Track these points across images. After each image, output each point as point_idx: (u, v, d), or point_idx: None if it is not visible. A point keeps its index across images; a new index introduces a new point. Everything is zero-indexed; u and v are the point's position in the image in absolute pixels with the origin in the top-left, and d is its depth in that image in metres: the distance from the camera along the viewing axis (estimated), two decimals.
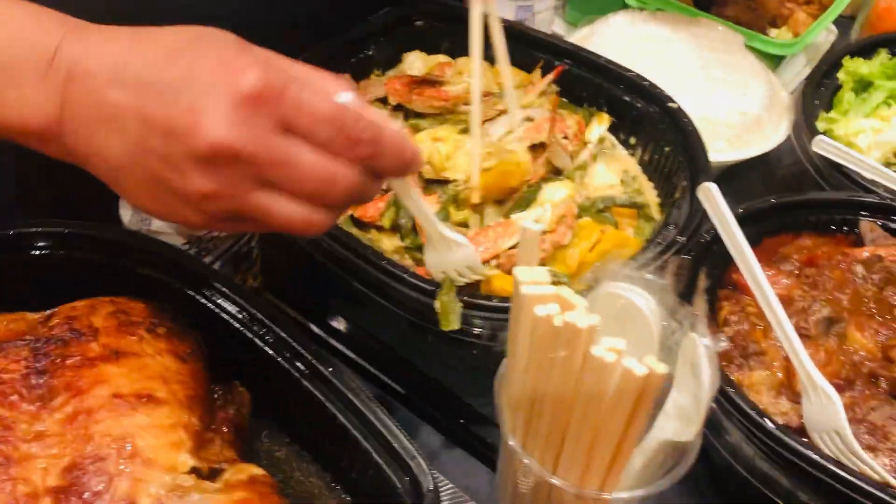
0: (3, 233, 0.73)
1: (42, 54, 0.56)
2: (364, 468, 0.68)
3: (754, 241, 0.96)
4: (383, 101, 1.03)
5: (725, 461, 0.76)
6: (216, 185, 0.54)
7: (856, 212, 0.98)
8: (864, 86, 1.19)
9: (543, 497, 0.62)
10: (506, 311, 0.60)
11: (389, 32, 1.12)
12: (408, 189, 0.66)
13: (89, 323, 0.65)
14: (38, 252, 0.74)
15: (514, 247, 0.88)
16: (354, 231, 0.92)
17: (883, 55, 1.20)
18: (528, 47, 1.10)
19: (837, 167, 1.05)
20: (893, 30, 1.34)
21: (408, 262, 0.90)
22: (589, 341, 0.51)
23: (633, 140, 1.05)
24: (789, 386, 0.79)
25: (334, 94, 0.54)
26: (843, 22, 1.55)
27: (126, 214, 0.78)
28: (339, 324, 0.98)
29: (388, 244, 0.91)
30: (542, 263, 0.88)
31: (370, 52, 1.10)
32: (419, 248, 0.89)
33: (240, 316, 0.73)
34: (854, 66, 1.16)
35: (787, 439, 0.71)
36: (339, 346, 0.98)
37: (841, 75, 1.17)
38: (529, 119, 1.01)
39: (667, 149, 0.98)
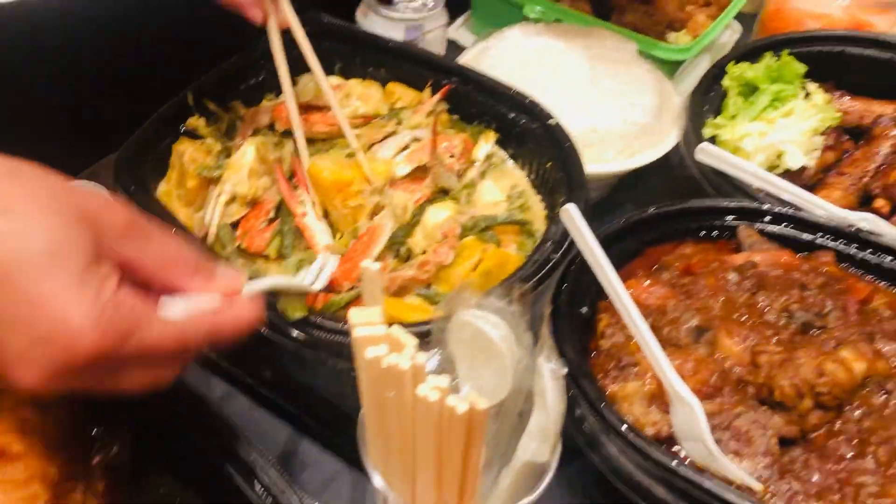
0: None
1: None
2: None
3: (637, 251, 0.99)
4: (271, 127, 1.04)
5: (605, 473, 0.79)
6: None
7: (735, 217, 1.01)
8: (751, 89, 1.22)
9: None
10: None
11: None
12: None
13: None
14: None
15: (384, 258, 0.90)
16: (241, 261, 0.92)
17: (768, 58, 1.23)
18: (417, 67, 1.11)
19: (722, 173, 1.08)
20: (784, 31, 1.38)
21: None
22: (416, 381, 0.52)
23: (520, 156, 1.07)
24: (660, 396, 0.81)
25: (164, 277, 0.57)
26: (748, 20, 1.59)
27: None
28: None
29: (275, 272, 0.92)
30: (428, 284, 0.90)
31: (260, 78, 1.10)
32: None
33: None
34: (739, 72, 1.19)
35: (651, 451, 0.74)
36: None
37: (725, 81, 1.20)
38: (417, 140, 1.02)
39: (548, 164, 1.01)
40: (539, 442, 0.67)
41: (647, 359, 0.79)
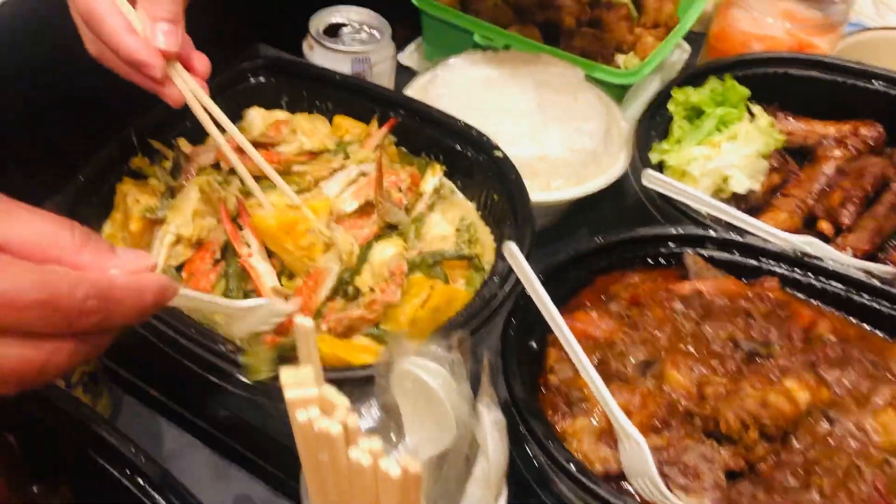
0: None
1: None
2: None
3: (586, 281, 1.00)
4: (216, 166, 1.02)
5: None
6: None
7: (680, 245, 1.02)
8: (697, 113, 1.24)
9: None
10: None
11: (226, 90, 1.11)
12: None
13: None
14: None
15: (331, 299, 0.89)
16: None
17: (713, 82, 1.25)
18: (364, 100, 1.11)
19: (669, 199, 1.09)
20: (729, 52, 1.40)
21: None
22: (349, 443, 0.52)
23: (468, 187, 1.07)
24: (609, 432, 0.81)
25: (43, 259, 0.48)
26: (698, 39, 1.61)
27: None
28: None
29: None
30: (377, 324, 0.90)
31: None
32: None
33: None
34: (684, 96, 1.21)
35: (598, 489, 0.74)
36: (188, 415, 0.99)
37: (671, 107, 1.21)
38: (364, 174, 1.02)
39: (495, 196, 1.01)
40: (483, 489, 0.67)
41: (594, 395, 0.79)
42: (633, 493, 0.79)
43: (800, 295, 0.98)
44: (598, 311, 0.93)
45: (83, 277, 0.49)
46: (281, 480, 0.94)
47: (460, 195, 1.07)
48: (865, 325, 0.96)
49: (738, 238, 1.01)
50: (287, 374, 0.55)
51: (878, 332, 0.95)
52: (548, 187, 1.15)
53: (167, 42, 0.80)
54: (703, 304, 0.93)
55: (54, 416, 0.72)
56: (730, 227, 1.05)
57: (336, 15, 1.20)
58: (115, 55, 0.80)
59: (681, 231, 1.02)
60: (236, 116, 1.12)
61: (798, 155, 1.26)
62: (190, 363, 0.81)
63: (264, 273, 0.90)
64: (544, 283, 0.94)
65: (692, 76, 1.26)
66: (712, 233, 1.01)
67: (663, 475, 0.78)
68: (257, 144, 1.01)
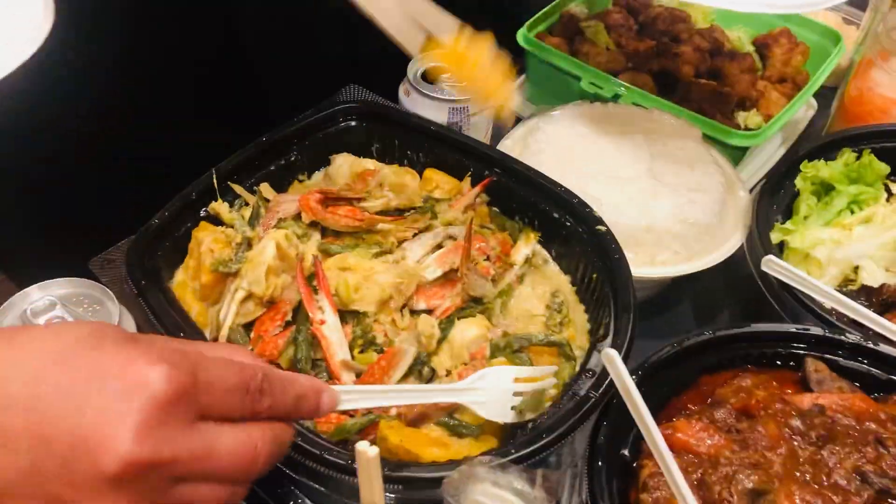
0: None
1: None
2: None
3: (689, 381, 0.89)
4: (299, 216, 0.97)
5: None
6: (128, 502, 0.49)
7: (800, 346, 0.90)
8: (826, 189, 1.11)
9: None
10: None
11: (315, 132, 1.05)
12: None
13: None
14: None
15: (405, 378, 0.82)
16: None
17: (847, 155, 1.12)
18: (457, 153, 1.03)
19: (790, 288, 0.97)
20: (867, 119, 1.26)
21: None
22: None
23: (564, 258, 0.98)
24: None
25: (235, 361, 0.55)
26: (827, 94, 1.48)
27: None
28: None
29: None
30: (451, 412, 0.81)
31: (291, 158, 1.03)
32: None
33: None
34: (813, 171, 1.08)
35: None
36: None
37: (798, 182, 1.09)
38: (451, 237, 0.94)
39: (594, 275, 0.91)
40: None
41: None
42: None
43: None
44: (702, 420, 0.82)
45: (258, 364, 0.57)
46: None
47: (554, 266, 0.98)
48: None
49: (871, 345, 0.88)
50: None
51: None
52: (652, 261, 1.04)
53: None
54: (825, 424, 0.81)
55: None
56: (856, 325, 0.93)
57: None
58: None
59: (803, 331, 0.90)
60: (323, 160, 1.07)
61: None
62: None
63: (335, 343, 0.83)
64: (641, 381, 0.84)
65: (823, 147, 1.13)
66: (840, 336, 0.89)
67: None
68: (340, 198, 0.95)
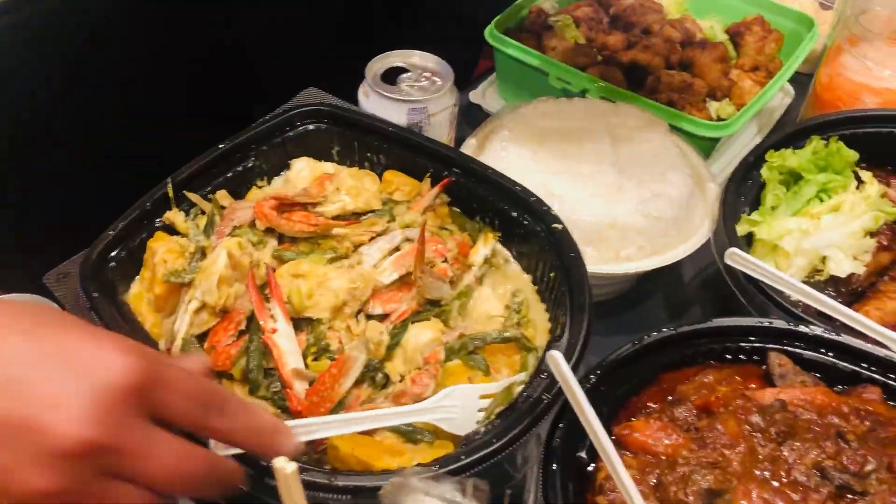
0: None
1: None
2: None
3: (650, 378, 0.88)
4: (255, 223, 0.95)
5: None
6: (63, 483, 0.49)
7: (764, 340, 0.88)
8: (795, 178, 1.09)
9: None
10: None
11: (273, 136, 1.04)
12: None
13: None
14: None
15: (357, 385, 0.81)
16: None
17: (816, 143, 1.10)
18: (417, 154, 1.02)
19: (755, 282, 0.95)
20: (837, 105, 1.25)
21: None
22: None
23: (524, 257, 0.96)
24: None
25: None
26: (803, 80, 1.46)
27: None
28: None
29: (240, 394, 0.83)
30: None
31: (249, 164, 1.02)
32: (274, 398, 0.82)
33: None
34: (780, 160, 1.07)
35: None
36: None
37: (764, 172, 1.07)
38: (410, 240, 0.93)
39: (552, 274, 0.90)
40: None
41: None
42: None
43: None
44: (661, 419, 0.81)
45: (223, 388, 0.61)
46: None
47: (516, 266, 0.97)
48: None
49: (834, 336, 0.87)
50: None
51: None
52: (616, 256, 1.03)
53: None
54: (786, 419, 0.79)
55: None
56: (824, 317, 0.91)
57: (397, 59, 1.11)
58: None
59: (766, 324, 0.88)
60: (283, 165, 1.06)
61: None
62: None
63: (288, 352, 0.82)
64: (601, 380, 0.83)
65: (791, 136, 1.12)
66: (803, 328, 0.87)
67: None
68: (295, 204, 0.94)
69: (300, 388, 0.81)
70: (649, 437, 0.79)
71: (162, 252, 0.91)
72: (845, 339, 0.87)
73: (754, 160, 1.10)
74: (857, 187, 1.08)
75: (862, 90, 1.22)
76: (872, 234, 1.04)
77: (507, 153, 1.09)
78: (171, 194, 0.96)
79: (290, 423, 0.70)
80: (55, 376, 0.50)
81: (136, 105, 1.11)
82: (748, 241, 1.05)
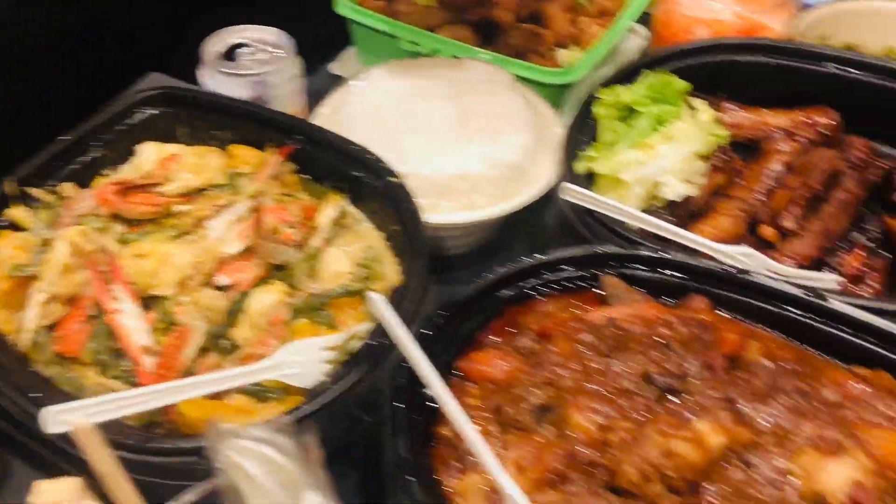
0: None
1: None
2: None
3: (495, 314, 0.91)
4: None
5: None
6: None
7: (595, 267, 0.93)
8: (632, 113, 1.14)
9: None
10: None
11: (115, 125, 1.04)
12: None
13: None
14: None
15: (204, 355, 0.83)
16: (57, 369, 0.85)
17: (651, 77, 1.15)
18: (260, 127, 1.03)
19: (593, 214, 1.00)
20: (674, 39, 1.30)
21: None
22: None
23: (376, 215, 0.99)
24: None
25: None
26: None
27: None
28: None
29: (92, 379, 0.84)
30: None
31: (96, 155, 1.02)
32: (126, 377, 0.83)
33: None
34: (612, 96, 1.11)
35: None
36: None
37: (597, 109, 1.11)
38: (257, 210, 0.95)
39: (395, 227, 0.93)
40: None
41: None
42: None
43: (732, 315, 0.89)
44: (503, 349, 0.85)
45: None
46: None
47: (368, 224, 0.99)
48: (803, 345, 0.86)
49: (663, 255, 0.92)
50: (42, 490, 0.48)
51: (816, 351, 0.85)
52: (469, 206, 1.06)
53: None
54: (617, 335, 0.84)
55: None
56: (662, 240, 0.97)
57: (234, 35, 1.12)
58: None
59: (598, 251, 0.93)
60: (130, 152, 1.06)
61: (748, 150, 1.16)
62: None
63: (133, 330, 0.83)
64: (448, 320, 0.87)
65: (625, 73, 1.16)
66: (633, 251, 0.92)
67: None
68: (137, 187, 0.95)
69: (149, 363, 0.82)
70: (488, 367, 0.83)
71: (7, 248, 0.91)
72: (673, 256, 0.92)
73: (590, 100, 1.14)
74: (692, 116, 1.14)
75: (695, 23, 1.28)
76: (707, 158, 1.10)
77: (356, 118, 1.11)
78: (8, 192, 0.95)
79: (130, 392, 0.72)
80: None
81: None
82: (591, 179, 1.10)
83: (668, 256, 0.92)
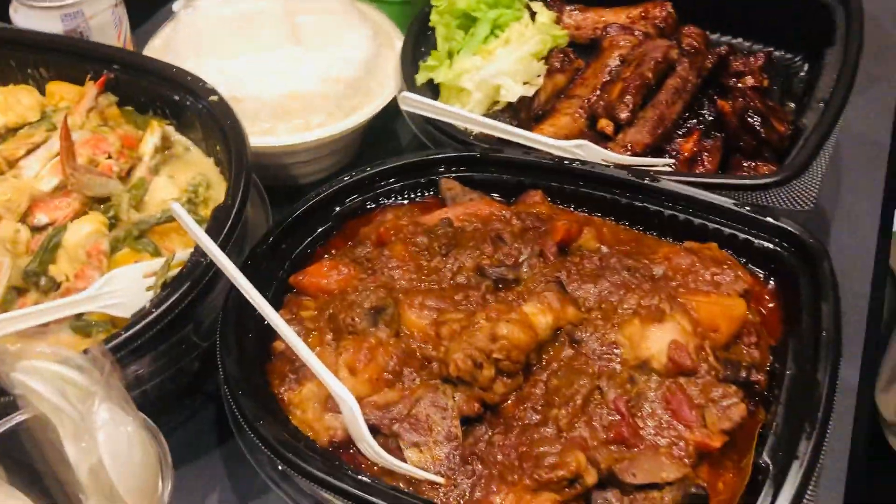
0: None
1: None
2: None
3: (336, 227, 0.89)
4: None
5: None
6: None
7: (437, 171, 0.92)
8: (472, 21, 1.13)
9: None
10: None
11: None
12: None
13: None
14: None
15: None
16: None
17: None
18: (76, 59, 0.97)
19: (433, 122, 0.98)
20: None
21: None
22: None
23: (205, 141, 0.95)
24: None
25: None
26: None
27: None
28: None
29: None
30: (80, 314, 0.78)
31: None
32: None
33: None
34: (448, 4, 1.09)
35: (308, 468, 0.65)
36: None
37: (434, 18, 1.09)
38: (67, 141, 0.89)
39: (218, 147, 0.89)
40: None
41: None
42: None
43: (568, 206, 0.89)
44: (338, 259, 0.83)
45: None
46: None
47: (196, 151, 0.96)
48: (638, 228, 0.87)
49: (496, 154, 0.91)
50: None
51: (649, 232, 0.87)
52: (307, 127, 1.03)
53: None
54: (452, 234, 0.83)
55: None
56: (504, 143, 0.96)
57: None
58: None
59: (435, 156, 0.92)
60: None
61: (591, 50, 1.16)
62: None
63: None
64: (284, 233, 0.84)
65: None
66: (464, 153, 0.91)
67: (394, 434, 0.69)
68: None
69: None
70: (321, 278, 0.81)
71: None
72: (507, 154, 0.91)
73: (429, 11, 1.12)
74: (532, 19, 1.13)
75: None
76: (546, 60, 1.10)
77: (186, 46, 1.06)
78: None
79: None
80: None
81: None
82: (436, 91, 1.08)
83: (501, 155, 0.91)
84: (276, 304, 0.81)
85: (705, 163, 0.98)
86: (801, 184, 0.87)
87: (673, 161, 0.94)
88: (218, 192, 0.91)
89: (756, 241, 0.82)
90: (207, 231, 0.77)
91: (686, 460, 0.66)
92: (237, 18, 1.10)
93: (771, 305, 0.80)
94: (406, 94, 0.98)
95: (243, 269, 0.79)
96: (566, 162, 0.89)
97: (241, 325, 0.76)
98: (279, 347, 0.77)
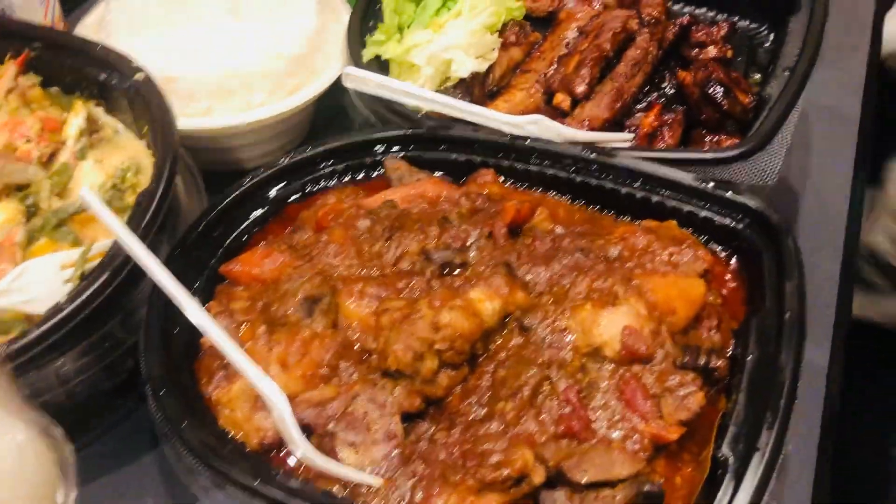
0: None
1: None
2: None
3: (274, 211, 0.84)
4: None
5: None
6: None
7: (382, 151, 0.87)
8: None
9: None
10: None
11: None
12: None
13: None
14: None
15: None
16: None
17: None
18: None
19: (379, 99, 0.93)
20: None
21: None
22: None
23: (136, 123, 0.89)
24: None
25: None
26: None
27: None
28: None
29: None
30: None
31: None
32: None
33: None
34: None
35: (234, 475, 0.60)
36: None
37: None
38: None
39: (146, 128, 0.84)
40: None
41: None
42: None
43: (521, 185, 0.84)
44: (272, 246, 0.78)
45: None
46: None
47: (127, 134, 0.89)
48: (594, 207, 0.83)
49: (443, 132, 0.86)
50: None
51: (606, 211, 0.82)
52: (248, 106, 0.97)
53: None
54: (396, 216, 0.78)
55: None
56: (454, 121, 0.90)
57: None
58: None
59: (378, 135, 0.86)
60: None
61: (549, 24, 1.10)
62: None
63: None
64: (218, 218, 0.79)
65: None
66: (409, 131, 0.86)
67: (330, 434, 0.64)
68: None
69: None
70: (254, 267, 0.76)
71: None
72: (455, 132, 0.86)
73: None
74: None
75: None
76: (501, 33, 1.04)
77: (121, 24, 1.01)
78: None
79: None
80: None
81: None
82: (385, 67, 1.03)
83: (450, 133, 0.86)
84: (208, 296, 0.76)
85: (666, 137, 0.93)
86: (764, 157, 0.82)
87: (632, 136, 0.89)
88: (148, 177, 0.85)
89: (717, 218, 0.77)
90: (130, 218, 0.72)
91: (641, 454, 0.61)
92: None
93: (733, 286, 0.75)
94: (349, 69, 0.92)
95: (170, 258, 0.74)
96: (519, 139, 0.84)
97: (168, 318, 0.71)
98: (208, 343, 0.71)
